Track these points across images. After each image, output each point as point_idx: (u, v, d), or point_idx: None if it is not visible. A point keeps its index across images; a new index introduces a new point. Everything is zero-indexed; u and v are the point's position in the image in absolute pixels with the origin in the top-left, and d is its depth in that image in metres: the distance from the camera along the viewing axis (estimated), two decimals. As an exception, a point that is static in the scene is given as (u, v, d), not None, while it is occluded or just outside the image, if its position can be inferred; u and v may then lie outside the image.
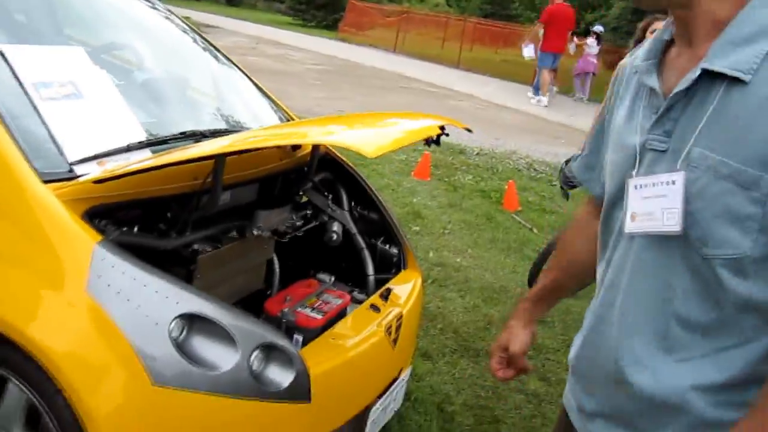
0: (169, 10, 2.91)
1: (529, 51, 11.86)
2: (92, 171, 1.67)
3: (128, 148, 1.79)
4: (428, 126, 1.81)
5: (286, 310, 1.89)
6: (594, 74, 13.33)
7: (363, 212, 2.54)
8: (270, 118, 2.56)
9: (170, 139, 1.92)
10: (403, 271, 2.43)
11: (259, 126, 2.40)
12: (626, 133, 1.07)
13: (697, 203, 0.91)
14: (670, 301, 0.97)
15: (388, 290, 2.18)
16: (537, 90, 12.16)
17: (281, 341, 1.61)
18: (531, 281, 3.89)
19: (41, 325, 1.47)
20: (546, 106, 11.79)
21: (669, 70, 1.03)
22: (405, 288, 2.30)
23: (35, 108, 1.71)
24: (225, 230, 2.02)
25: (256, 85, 2.71)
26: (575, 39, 13.10)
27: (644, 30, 4.16)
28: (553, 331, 3.64)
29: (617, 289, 1.05)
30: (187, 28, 2.87)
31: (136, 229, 1.73)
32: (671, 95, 0.97)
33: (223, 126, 2.22)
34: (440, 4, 40.60)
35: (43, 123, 1.69)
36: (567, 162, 3.75)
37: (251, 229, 2.06)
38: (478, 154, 7.27)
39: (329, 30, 24.48)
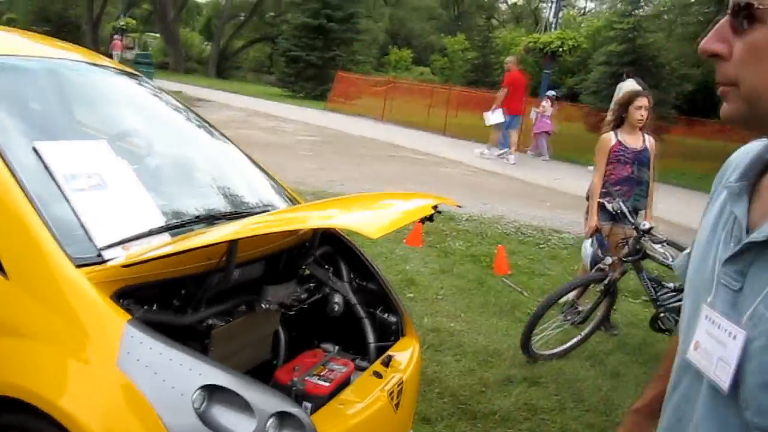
0: (160, 89, 3.13)
1: (497, 116, 12.68)
2: (118, 255, 1.84)
3: (150, 233, 1.96)
4: (423, 206, 2.00)
5: (295, 379, 2.02)
6: (549, 133, 14.66)
7: (362, 283, 2.71)
8: (270, 194, 2.75)
9: (186, 223, 2.09)
10: (402, 338, 2.57)
11: (263, 204, 2.59)
12: (706, 252, 0.98)
13: (750, 364, 0.83)
14: None
15: (389, 357, 2.33)
16: (490, 148, 13.37)
17: (294, 409, 1.74)
18: (524, 345, 4.03)
19: (74, 398, 1.60)
20: (514, 164, 12.72)
21: (762, 198, 0.93)
22: (404, 354, 2.44)
23: (66, 198, 1.89)
24: (235, 305, 2.18)
25: (255, 163, 2.92)
26: (543, 104, 14.35)
27: (626, 105, 4.46)
28: (546, 392, 3.75)
29: (684, 415, 0.97)
30: (181, 107, 3.07)
31: (155, 306, 1.89)
32: (747, 241, 0.88)
33: (230, 208, 2.41)
34: (425, 73, 41.89)
35: (74, 212, 1.87)
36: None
37: (260, 303, 2.22)
38: (467, 219, 7.50)
39: (318, 101, 25.15)
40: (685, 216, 8.23)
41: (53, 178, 1.92)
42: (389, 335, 2.61)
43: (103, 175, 2.04)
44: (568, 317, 4.18)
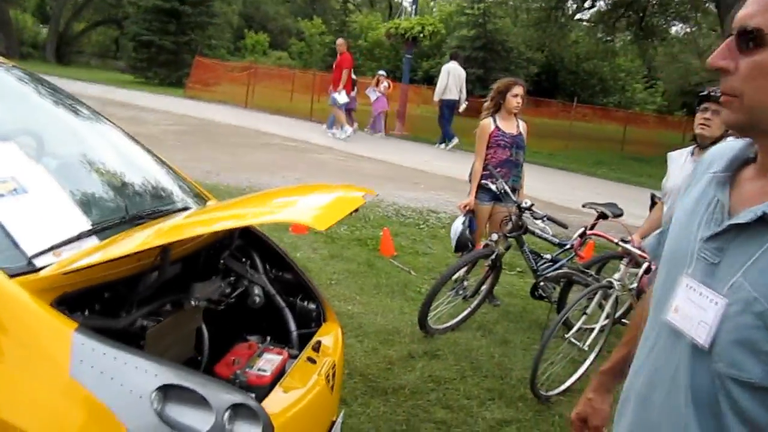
0: (34, 75, 2.92)
1: (343, 96, 13.67)
2: (50, 262, 1.78)
3: (79, 237, 1.90)
4: (354, 197, 2.10)
5: (237, 371, 2.06)
6: (386, 112, 16.16)
7: (278, 273, 2.76)
8: (181, 191, 2.71)
9: (113, 225, 2.05)
10: (324, 323, 2.66)
11: (180, 201, 2.56)
12: (686, 230, 1.14)
13: (726, 325, 1.00)
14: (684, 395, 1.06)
15: (319, 342, 2.41)
16: (331, 126, 14.51)
17: (248, 400, 1.79)
18: (422, 322, 4.26)
19: (29, 415, 1.55)
20: (343, 139, 13.81)
21: (740, 188, 1.09)
22: (330, 339, 2.54)
23: (-16, 207, 1.79)
24: (163, 304, 2.17)
25: (157, 157, 2.86)
26: (382, 84, 15.56)
27: (503, 93, 4.78)
28: (446, 363, 4.00)
29: (662, 367, 1.13)
30: (63, 97, 2.89)
31: (87, 312, 1.85)
32: (730, 223, 1.04)
33: (151, 207, 2.36)
34: (283, 57, 41.39)
35: (-4, 221, 1.77)
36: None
37: (189, 301, 2.22)
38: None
39: (174, 87, 24.13)
40: (542, 192, 8.91)
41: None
42: (310, 322, 2.69)
43: (18, 178, 1.94)
44: (459, 292, 4.47)
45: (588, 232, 4.34)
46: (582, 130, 21.98)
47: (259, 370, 2.13)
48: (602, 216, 4.52)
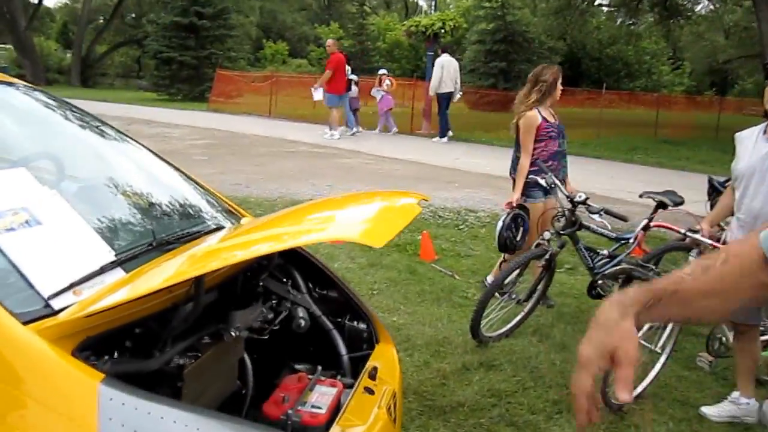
0: (52, 96, 2.73)
1: (319, 94, 13.82)
2: (69, 302, 1.55)
3: (102, 271, 1.67)
4: (409, 204, 1.84)
5: (289, 411, 1.81)
6: (391, 109, 16.06)
7: (322, 292, 2.52)
8: (212, 209, 2.48)
9: (139, 255, 1.81)
10: (377, 345, 2.40)
11: (212, 220, 2.32)
12: None
13: None
14: None
15: (375, 369, 2.15)
16: (331, 127, 14.39)
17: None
18: (474, 330, 3.98)
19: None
20: (339, 138, 14.02)
21: None
22: (386, 363, 2.28)
23: (-6, 244, 1.57)
24: (200, 338, 1.93)
25: (185, 175, 2.63)
26: (384, 83, 15.87)
27: (554, 82, 4.49)
28: (505, 374, 3.72)
29: None
30: (85, 117, 2.70)
31: (116, 355, 1.62)
32: None
33: (180, 230, 2.12)
34: (302, 65, 41.45)
35: (7, 259, 1.55)
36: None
37: (229, 332, 1.98)
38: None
39: (198, 102, 24.18)
40: (581, 183, 8.54)
41: (-29, 221, 1.59)
42: (361, 343, 2.43)
43: (30, 209, 1.72)
44: (512, 296, 4.18)
45: (652, 224, 4.01)
46: (612, 117, 21.43)
47: (312, 407, 1.88)
48: (661, 205, 4.18)
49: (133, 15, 44.67)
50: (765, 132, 3.27)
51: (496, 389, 3.53)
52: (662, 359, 3.61)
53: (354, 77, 15.74)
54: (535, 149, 4.51)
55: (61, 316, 1.49)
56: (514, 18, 29.41)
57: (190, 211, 2.33)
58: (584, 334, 4.12)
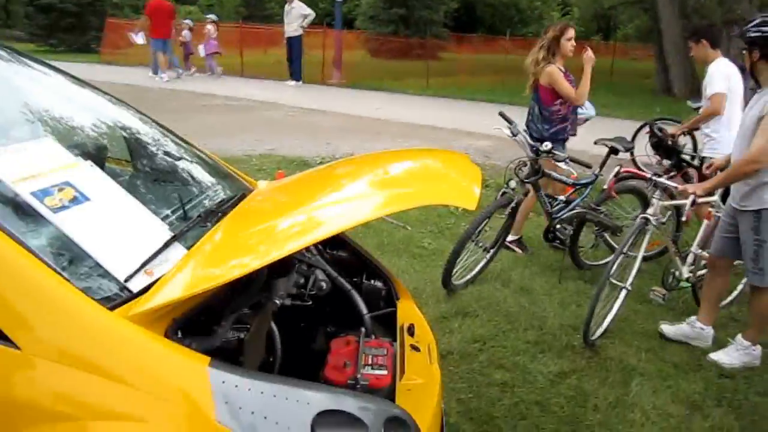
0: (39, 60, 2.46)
1: (140, 38, 15.05)
2: (145, 283, 1.46)
3: (166, 246, 1.57)
4: (465, 160, 1.85)
5: (358, 375, 1.80)
6: (219, 53, 16.92)
7: (333, 252, 2.48)
8: (225, 174, 2.36)
9: (193, 227, 1.72)
10: (398, 301, 2.41)
11: (241, 187, 2.22)
12: None
13: None
14: None
15: (412, 326, 2.18)
16: (157, 70, 15.14)
17: (399, 411, 1.56)
18: (446, 281, 4.07)
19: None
20: (167, 81, 14.76)
21: None
22: (415, 318, 2.31)
23: (52, 224, 1.43)
24: (249, 307, 1.88)
25: (187, 142, 2.49)
26: (208, 27, 16.67)
27: (558, 37, 4.53)
28: (481, 320, 3.85)
29: None
30: (80, 83, 2.46)
31: (188, 336, 1.55)
32: None
33: (217, 197, 2.02)
34: (193, 12, 39.27)
35: (71, 241, 1.43)
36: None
37: (273, 300, 1.94)
38: (321, 162, 7.28)
39: (85, 53, 22.46)
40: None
41: (19, 200, 1.44)
42: (380, 301, 2.43)
43: (74, 183, 1.57)
44: (479, 244, 4.29)
45: (622, 170, 4.21)
46: (514, 63, 21.95)
47: (373, 368, 1.88)
48: (613, 151, 4.40)
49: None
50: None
51: (478, 335, 3.66)
52: (622, 294, 3.83)
53: (188, 22, 17.26)
54: (555, 105, 4.66)
55: (148, 299, 1.40)
56: (412, -37, 29.15)
57: (213, 179, 2.21)
58: (541, 276, 4.36)
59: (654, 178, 3.59)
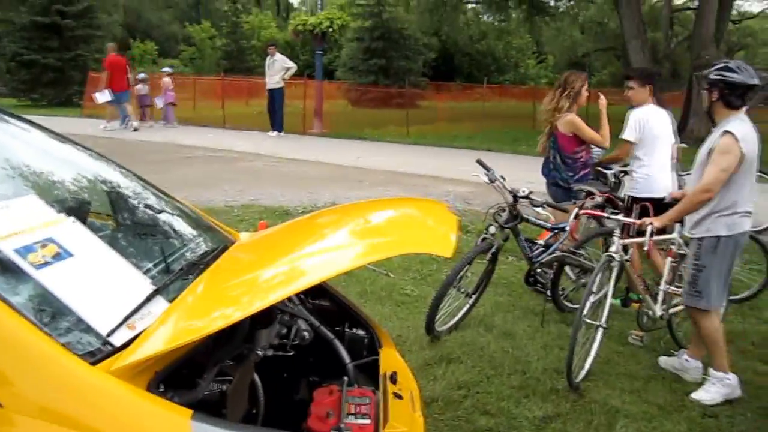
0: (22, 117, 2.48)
1: (103, 96, 15.43)
2: (127, 337, 1.47)
3: (148, 300, 1.59)
4: (443, 210, 1.89)
5: (341, 426, 1.80)
6: (174, 104, 17.63)
7: (314, 301, 2.50)
8: (206, 226, 2.39)
9: (176, 279, 1.74)
10: (381, 349, 2.43)
11: (222, 240, 2.24)
12: None
13: None
14: None
15: (395, 373, 2.19)
16: (124, 120, 15.92)
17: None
18: (429, 327, 4.08)
19: None
20: (137, 129, 15.60)
21: None
22: (397, 366, 2.32)
23: (35, 281, 1.45)
24: (231, 359, 1.89)
25: (164, 193, 2.51)
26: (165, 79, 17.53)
27: (580, 89, 4.70)
28: (465, 366, 3.85)
29: None
30: (58, 138, 2.48)
31: (172, 389, 1.55)
32: None
33: (199, 250, 2.04)
34: (175, 65, 39.79)
35: (54, 296, 1.44)
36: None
37: (255, 351, 1.94)
38: (303, 211, 7.33)
39: (67, 107, 22.60)
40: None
41: (1, 256, 1.46)
42: (362, 350, 2.45)
43: (57, 239, 1.60)
44: (461, 290, 4.32)
45: (580, 212, 4.31)
46: (492, 110, 22.43)
47: (358, 418, 1.88)
48: (589, 194, 4.50)
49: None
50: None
51: (462, 381, 3.66)
52: (599, 333, 3.84)
53: (143, 75, 17.92)
54: (581, 154, 4.83)
55: (129, 353, 1.41)
56: (390, 15, 29.95)
57: (195, 231, 2.23)
58: (523, 320, 4.40)
59: (611, 216, 3.73)
